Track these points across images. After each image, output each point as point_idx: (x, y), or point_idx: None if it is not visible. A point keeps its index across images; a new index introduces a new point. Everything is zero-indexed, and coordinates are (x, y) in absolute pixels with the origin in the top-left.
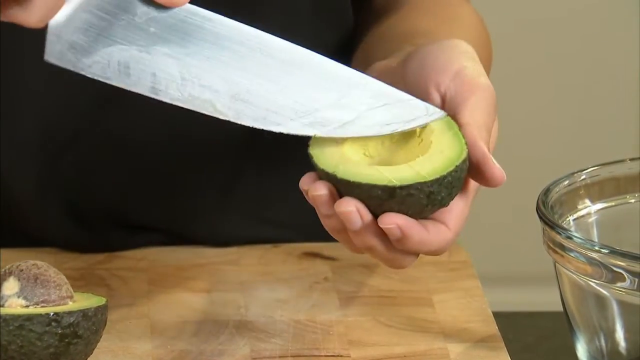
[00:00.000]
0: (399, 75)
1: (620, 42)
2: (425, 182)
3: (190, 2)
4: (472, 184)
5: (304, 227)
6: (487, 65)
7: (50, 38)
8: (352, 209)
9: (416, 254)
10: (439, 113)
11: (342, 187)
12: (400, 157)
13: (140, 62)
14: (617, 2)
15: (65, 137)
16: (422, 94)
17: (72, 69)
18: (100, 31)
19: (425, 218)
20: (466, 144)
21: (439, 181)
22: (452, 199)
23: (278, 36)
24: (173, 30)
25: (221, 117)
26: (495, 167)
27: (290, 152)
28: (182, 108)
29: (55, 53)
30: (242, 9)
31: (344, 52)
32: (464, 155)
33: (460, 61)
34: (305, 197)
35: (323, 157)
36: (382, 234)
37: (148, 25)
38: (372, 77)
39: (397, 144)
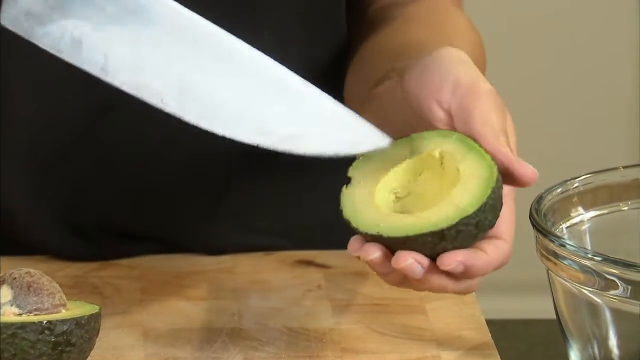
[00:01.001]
0: (401, 97)
1: (614, 50)
2: (469, 215)
3: None
4: (507, 187)
5: (296, 235)
6: (481, 72)
7: (7, 1)
8: (410, 262)
9: (483, 275)
10: (386, 141)
11: (391, 244)
12: (431, 188)
13: (93, 40)
14: (612, 10)
15: (58, 147)
16: (426, 113)
17: (24, 36)
18: (57, 2)
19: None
20: (492, 158)
21: (482, 209)
22: (499, 217)
23: (270, 48)
24: (132, 13)
25: (167, 109)
26: (524, 167)
27: (283, 161)
28: (175, 117)
29: (10, 18)
30: (234, 20)
31: (338, 65)
32: (495, 173)
33: (455, 72)
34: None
35: (359, 218)
36: (446, 272)
37: (106, 4)
38: (348, 106)
39: (422, 176)
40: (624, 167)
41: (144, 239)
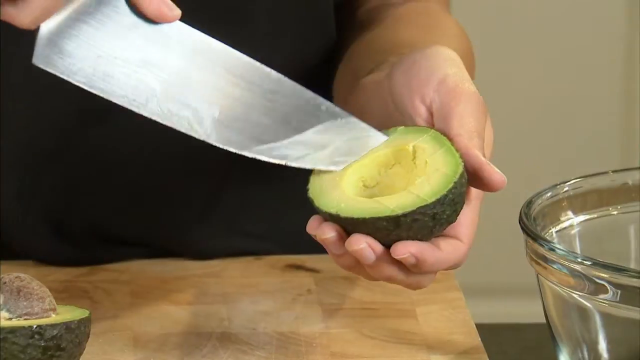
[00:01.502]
0: (387, 89)
1: (603, 55)
2: (427, 205)
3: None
4: (475, 191)
5: (286, 239)
6: (470, 76)
7: (40, 42)
8: (363, 246)
9: (434, 272)
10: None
11: (347, 225)
12: (399, 181)
13: (121, 74)
14: (601, 15)
15: (48, 152)
16: (408, 107)
17: (58, 74)
18: (89, 39)
19: (437, 236)
20: (460, 156)
21: (440, 201)
22: (458, 214)
23: (259, 47)
24: (155, 43)
25: (196, 135)
26: (493, 172)
27: (272, 166)
28: (163, 133)
29: (43, 57)
30: (227, 19)
31: (326, 65)
32: (460, 169)
33: (442, 69)
34: (315, 239)
35: (323, 198)
36: (398, 262)
37: (133, 36)
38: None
39: (393, 169)
40: (614, 172)
41: (132, 244)
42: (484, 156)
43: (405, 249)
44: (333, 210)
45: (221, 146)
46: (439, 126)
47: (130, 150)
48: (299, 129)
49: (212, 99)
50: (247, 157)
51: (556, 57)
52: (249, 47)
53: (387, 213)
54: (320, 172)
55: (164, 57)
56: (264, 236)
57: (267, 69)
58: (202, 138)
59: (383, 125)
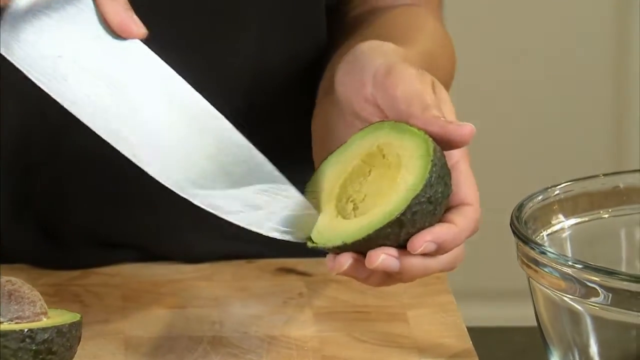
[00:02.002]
0: (335, 102)
1: (595, 59)
2: (418, 194)
3: (169, 18)
4: (456, 153)
5: (276, 242)
6: (448, 80)
7: (3, 25)
8: (383, 257)
9: (459, 245)
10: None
11: (359, 249)
12: (383, 183)
13: (74, 77)
14: (592, 20)
15: (38, 155)
16: (358, 111)
17: (17, 64)
18: (50, 35)
19: (445, 211)
20: (425, 132)
21: (428, 184)
22: (450, 185)
23: (249, 49)
24: (114, 56)
25: (138, 163)
26: (459, 128)
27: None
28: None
29: (4, 42)
30: (216, 20)
31: (316, 67)
32: (431, 145)
33: (371, 64)
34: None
35: (324, 237)
36: (422, 256)
37: (95, 45)
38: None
39: (371, 176)
40: (604, 175)
41: (123, 247)
42: (444, 117)
43: (421, 241)
44: (339, 242)
45: (160, 180)
46: (391, 115)
47: (120, 154)
48: (239, 184)
49: (160, 132)
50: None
51: (547, 61)
52: (236, 48)
53: (387, 220)
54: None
55: (120, 75)
56: (256, 239)
57: (221, 117)
58: (140, 165)
59: (347, 132)
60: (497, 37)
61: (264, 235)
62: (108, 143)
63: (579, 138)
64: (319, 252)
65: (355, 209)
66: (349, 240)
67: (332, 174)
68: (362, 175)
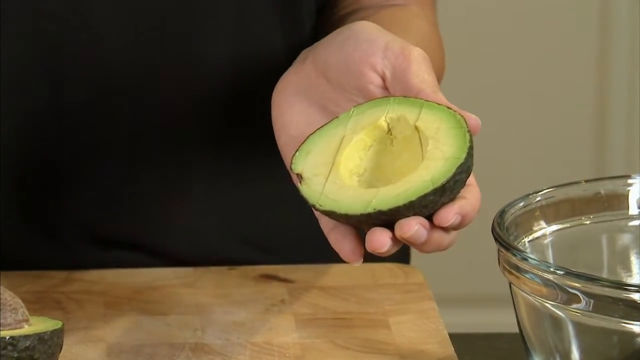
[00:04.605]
0: (316, 74)
1: (576, 65)
2: (462, 163)
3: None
4: None
5: (266, 245)
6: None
7: None
8: (417, 227)
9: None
10: None
11: (391, 216)
12: (388, 159)
13: None
14: (574, 27)
15: (35, 156)
16: (356, 80)
17: None
18: None
19: None
20: (447, 107)
21: (469, 153)
22: None
23: (231, 39)
24: None
25: None
26: (469, 118)
27: (253, 172)
28: (149, 131)
29: None
30: (196, 14)
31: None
32: (460, 117)
33: (381, 38)
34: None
35: (345, 204)
36: (443, 228)
37: None
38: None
39: (373, 150)
40: (586, 181)
41: (122, 247)
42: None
43: (450, 214)
44: (370, 209)
45: None
46: (397, 88)
47: (116, 153)
48: None
49: None
50: (233, 161)
51: (529, 67)
52: (216, 42)
53: (432, 186)
54: (310, 183)
55: None
56: (258, 242)
57: None
58: None
59: (319, 117)
60: (480, 44)
61: (256, 239)
62: (103, 143)
63: (561, 145)
64: (308, 254)
65: (360, 181)
66: (385, 207)
67: (327, 145)
68: (363, 150)
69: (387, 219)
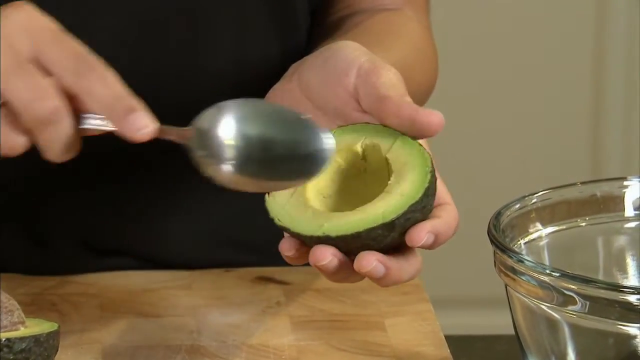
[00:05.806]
0: (299, 93)
1: (572, 67)
2: (416, 202)
3: (148, 20)
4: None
5: (260, 248)
6: (423, 91)
7: None
8: (375, 264)
9: (447, 240)
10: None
11: (338, 243)
12: (355, 185)
13: None
14: (570, 27)
15: (25, 163)
16: (333, 102)
17: None
18: None
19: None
20: (420, 144)
21: (425, 193)
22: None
23: (228, 44)
24: None
25: None
26: (430, 114)
27: None
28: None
29: None
30: (197, 21)
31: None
32: (428, 157)
33: (357, 59)
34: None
35: (300, 223)
36: (401, 254)
37: None
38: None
39: (345, 174)
40: (582, 183)
41: (115, 254)
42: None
43: (423, 232)
44: (320, 233)
45: None
46: (367, 100)
47: (106, 162)
48: None
49: None
50: None
51: (524, 68)
52: (216, 48)
53: (381, 221)
54: (275, 195)
55: None
56: (250, 245)
57: None
58: None
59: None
60: (476, 45)
61: (251, 241)
62: (100, 150)
63: (557, 147)
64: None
65: (324, 203)
66: (334, 233)
67: None
68: (337, 172)
69: (335, 244)
